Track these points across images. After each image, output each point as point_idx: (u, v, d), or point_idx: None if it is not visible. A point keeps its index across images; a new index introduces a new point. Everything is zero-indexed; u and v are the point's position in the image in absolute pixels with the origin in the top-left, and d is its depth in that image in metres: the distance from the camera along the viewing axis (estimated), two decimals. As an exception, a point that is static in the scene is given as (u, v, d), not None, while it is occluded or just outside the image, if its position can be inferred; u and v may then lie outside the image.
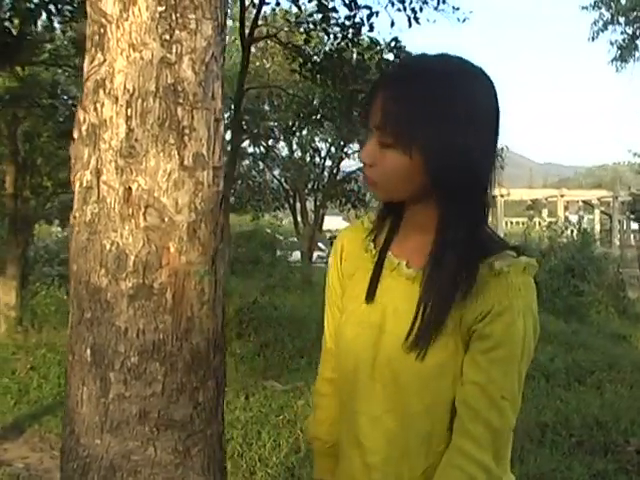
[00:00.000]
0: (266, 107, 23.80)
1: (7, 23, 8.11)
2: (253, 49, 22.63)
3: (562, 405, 7.73)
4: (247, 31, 11.65)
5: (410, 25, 10.72)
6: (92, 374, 1.68)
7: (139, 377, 1.64)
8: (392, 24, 11.05)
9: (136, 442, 1.65)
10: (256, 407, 7.77)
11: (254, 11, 12.28)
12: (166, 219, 1.63)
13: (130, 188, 1.62)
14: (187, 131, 1.64)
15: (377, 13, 10.93)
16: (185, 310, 1.67)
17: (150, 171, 1.62)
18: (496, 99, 1.61)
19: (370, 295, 1.68)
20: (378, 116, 1.57)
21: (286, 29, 14.71)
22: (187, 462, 1.68)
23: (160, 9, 1.60)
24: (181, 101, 1.63)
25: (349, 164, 28.20)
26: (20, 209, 11.67)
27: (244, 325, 10.94)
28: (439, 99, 1.53)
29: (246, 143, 26.04)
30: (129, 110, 1.62)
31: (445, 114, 1.53)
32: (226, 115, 25.79)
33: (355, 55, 11.82)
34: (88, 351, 1.68)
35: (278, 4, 12.75)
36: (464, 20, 14.11)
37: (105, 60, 1.64)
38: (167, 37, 1.61)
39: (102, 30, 1.65)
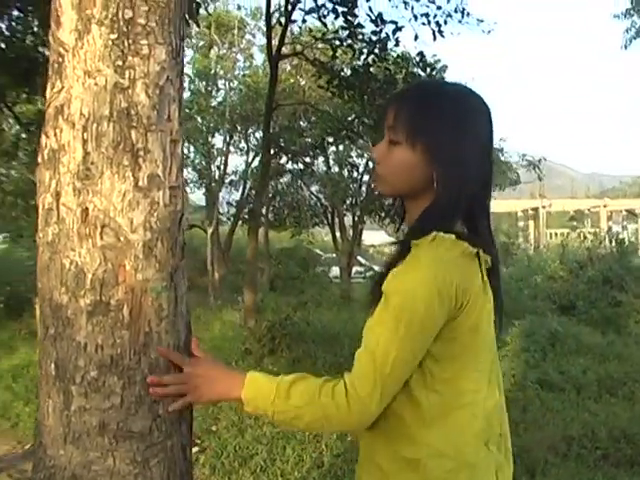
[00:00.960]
0: (302, 123, 23.90)
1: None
2: (288, 66, 22.87)
3: (590, 417, 7.65)
4: (274, 49, 11.76)
5: (435, 39, 10.75)
6: (56, 387, 1.75)
7: (98, 390, 1.71)
8: (416, 38, 11.11)
9: (96, 453, 1.71)
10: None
11: (281, 29, 12.38)
12: (122, 238, 1.69)
13: (87, 209, 1.69)
14: (141, 153, 1.71)
15: (402, 28, 10.98)
16: (143, 325, 1.73)
17: (105, 192, 1.69)
18: (490, 122, 1.99)
19: None
20: (391, 118, 1.92)
21: (313, 46, 14.82)
22: (146, 472, 1.75)
23: (113, 36, 1.68)
24: (135, 124, 1.70)
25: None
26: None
27: (276, 341, 10.97)
28: (444, 111, 1.91)
29: (284, 160, 26.20)
30: (85, 134, 1.69)
31: (446, 123, 1.89)
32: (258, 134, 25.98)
33: (382, 70, 11.87)
34: (52, 365, 1.76)
35: (304, 21, 12.83)
36: (489, 32, 14.10)
37: (63, 87, 1.72)
38: (120, 63, 1.69)
39: (60, 59, 1.73)
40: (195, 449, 6.45)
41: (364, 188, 27.53)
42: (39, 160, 1.79)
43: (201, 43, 25.35)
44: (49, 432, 1.79)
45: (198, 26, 12.71)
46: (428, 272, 1.77)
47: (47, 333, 1.77)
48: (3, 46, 7.54)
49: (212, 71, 26.38)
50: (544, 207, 38.51)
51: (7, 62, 7.70)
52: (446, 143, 1.88)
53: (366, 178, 27.40)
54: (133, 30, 1.70)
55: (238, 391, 1.81)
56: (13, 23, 7.90)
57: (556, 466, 6.17)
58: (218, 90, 27.44)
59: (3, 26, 7.80)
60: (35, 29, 8.31)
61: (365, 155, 26.97)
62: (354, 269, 28.36)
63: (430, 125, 1.89)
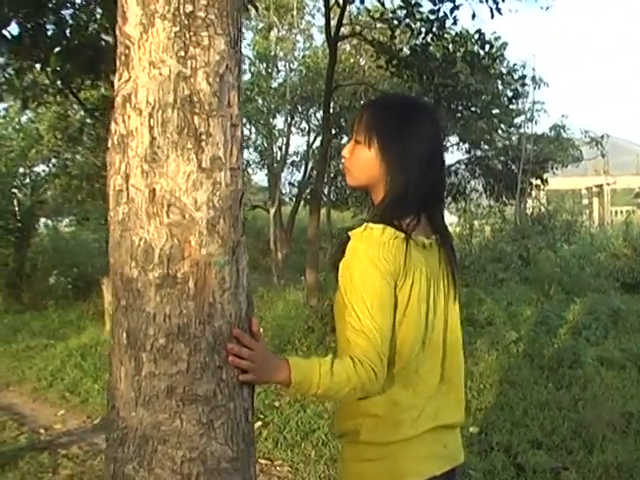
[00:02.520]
0: (362, 103, 23.91)
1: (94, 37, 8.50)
2: (348, 46, 22.89)
3: (651, 394, 7.69)
4: (333, 30, 11.82)
5: (492, 16, 10.64)
6: (128, 355, 1.90)
7: (166, 357, 1.85)
8: (473, 16, 11.04)
9: (165, 415, 1.86)
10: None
11: (339, 10, 12.42)
12: (187, 216, 1.83)
13: (154, 189, 1.84)
14: (204, 137, 1.84)
15: (459, 6, 10.94)
16: (207, 297, 1.87)
17: (171, 174, 1.83)
18: (436, 129, 2.45)
19: None
20: (357, 121, 2.39)
21: (371, 27, 14.83)
22: (210, 433, 1.89)
23: (175, 29, 1.81)
24: (197, 110, 1.84)
25: (448, 157, 28.08)
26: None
27: (339, 319, 11.09)
28: (392, 123, 2.34)
29: (345, 140, 26.25)
30: (151, 121, 1.83)
31: (397, 128, 2.33)
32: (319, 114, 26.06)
33: (441, 49, 11.86)
34: (124, 334, 1.91)
35: (362, 2, 12.85)
36: (547, 8, 13.96)
37: (130, 77, 1.87)
38: (182, 54, 1.82)
39: (127, 51, 1.87)
40: (258, 423, 6.61)
41: (426, 167, 27.53)
42: (109, 145, 1.94)
43: (261, 25, 25.45)
44: (121, 396, 1.94)
45: (257, 10, 12.78)
46: (364, 254, 2.18)
47: (119, 305, 1.93)
48: (68, 34, 7.73)
49: (272, 53, 26.45)
50: (608, 184, 37.95)
51: (72, 50, 7.89)
52: (392, 150, 2.31)
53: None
54: (194, 23, 1.83)
55: (284, 375, 2.02)
56: (77, 12, 8.08)
57: (614, 442, 6.20)
58: (278, 71, 27.52)
59: (67, 15, 7.98)
60: (98, 17, 8.49)
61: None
62: (417, 248, 28.38)
63: (381, 132, 2.32)
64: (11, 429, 7.52)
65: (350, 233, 2.29)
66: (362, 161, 2.36)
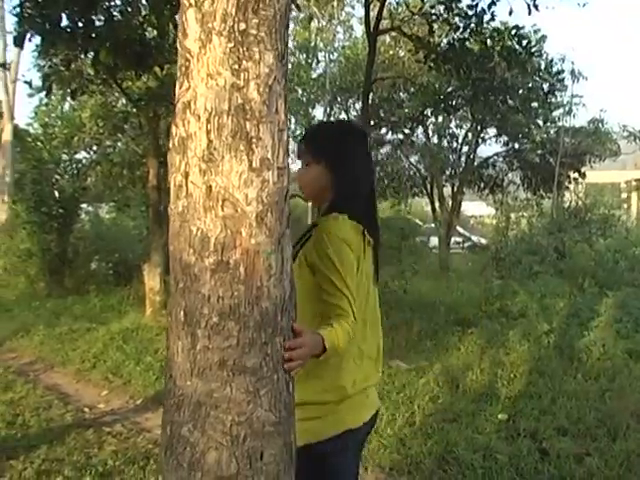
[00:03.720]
0: (401, 95, 23.98)
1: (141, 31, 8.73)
2: (387, 38, 22.99)
3: (679, 383, 7.84)
4: (372, 23, 11.97)
5: (530, 12, 10.75)
6: (184, 331, 2.16)
7: (219, 333, 2.11)
8: (510, 12, 11.16)
9: (217, 384, 2.13)
10: (380, 385, 8.15)
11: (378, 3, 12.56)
12: (239, 210, 2.09)
13: (211, 186, 2.09)
14: (254, 140, 2.09)
15: (497, 1, 11.07)
16: (255, 281, 2.12)
17: (225, 172, 2.08)
18: (366, 144, 3.18)
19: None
20: (304, 147, 3.05)
21: (410, 21, 14.95)
22: (257, 400, 2.15)
23: (230, 45, 2.06)
24: (249, 117, 2.09)
25: (486, 149, 28.09)
26: (163, 200, 12.34)
27: (375, 308, 11.25)
28: (333, 142, 3.02)
29: (384, 130, 26.33)
30: (208, 125, 2.09)
31: (337, 148, 2.99)
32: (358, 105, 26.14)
33: (478, 44, 11.98)
34: (182, 313, 2.17)
35: (402, -4, 12.99)
36: (584, 5, 13.98)
37: (190, 86, 2.12)
38: (236, 67, 2.07)
39: (187, 63, 2.13)
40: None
41: (463, 159, 27.46)
42: (170, 145, 2.20)
43: (301, 16, 25.61)
44: (178, 367, 2.20)
45: (298, 9, 12.96)
46: (337, 236, 2.76)
47: (177, 287, 2.19)
48: (116, 30, 7.96)
49: (312, 43, 26.58)
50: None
51: (121, 45, 8.14)
52: (336, 163, 2.96)
53: (465, 149, 27.34)
54: (247, 39, 2.08)
55: (320, 348, 2.54)
56: (125, 7, 8.30)
57: (638, 431, 6.39)
58: (318, 62, 27.65)
59: (116, 11, 8.21)
60: (144, 13, 8.71)
61: (464, 126, 26.90)
62: (453, 239, 28.33)
63: (326, 151, 2.98)
64: (57, 407, 7.77)
65: (319, 220, 2.89)
66: (312, 177, 3.01)
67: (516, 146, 26.71)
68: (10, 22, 31.49)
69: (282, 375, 2.22)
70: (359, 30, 27.72)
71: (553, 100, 24.85)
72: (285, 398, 2.24)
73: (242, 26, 2.07)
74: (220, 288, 2.10)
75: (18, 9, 7.64)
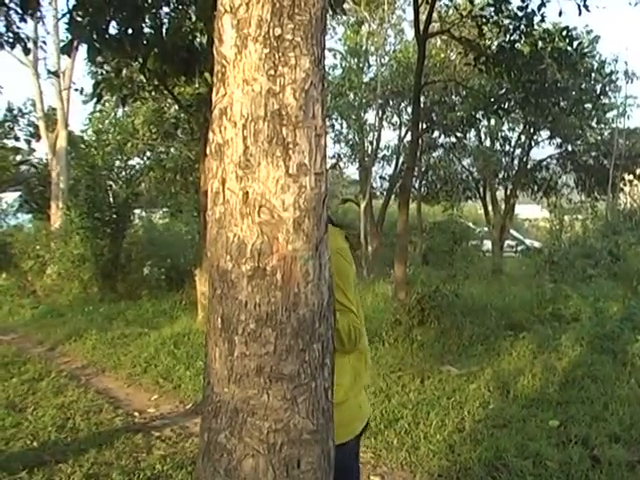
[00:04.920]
0: (453, 98, 23.89)
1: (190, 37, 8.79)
2: (439, 41, 22.91)
3: None
4: (422, 27, 11.94)
5: (580, 13, 10.63)
6: (222, 337, 2.16)
7: (256, 340, 2.10)
8: (560, 13, 11.07)
9: (254, 390, 2.12)
10: (430, 390, 8.11)
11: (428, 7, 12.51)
12: (275, 216, 2.07)
13: (247, 192, 2.09)
14: (291, 146, 2.08)
15: (547, 2, 10.98)
16: (292, 287, 2.11)
17: (262, 179, 2.07)
18: None
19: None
20: None
21: (459, 24, 14.88)
22: (294, 407, 2.14)
23: (266, 51, 2.05)
24: (285, 122, 2.07)
25: (539, 152, 27.85)
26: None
27: (425, 312, 11.20)
28: None
29: (436, 134, 26.25)
30: (245, 131, 2.08)
31: None
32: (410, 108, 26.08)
33: (529, 46, 11.89)
34: (219, 320, 2.17)
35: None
36: (636, 4, 13.79)
37: (226, 93, 2.12)
38: (272, 72, 2.06)
39: (223, 69, 2.12)
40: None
41: (516, 162, 27.29)
42: (207, 152, 2.19)
43: (352, 20, 25.60)
44: (216, 374, 2.20)
45: (344, 13, 12.96)
46: (333, 248, 2.55)
47: (215, 293, 2.19)
48: (164, 37, 8.02)
49: (363, 47, 26.56)
50: None
51: (168, 52, 8.20)
52: None
53: (518, 152, 27.15)
54: (282, 45, 2.07)
55: None
56: (172, 15, 8.36)
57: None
58: (369, 66, 27.60)
59: (163, 19, 8.27)
60: (192, 20, 8.77)
61: (517, 129, 26.70)
62: (506, 243, 28.17)
63: None
64: (107, 412, 7.86)
65: None
66: None
67: (569, 148, 26.47)
68: (63, 31, 31.95)
69: (320, 382, 2.20)
70: (410, 33, 27.63)
71: (606, 101, 24.60)
72: (323, 405, 2.22)
73: (277, 31, 2.07)
74: (257, 295, 2.09)
75: (67, 18, 7.73)
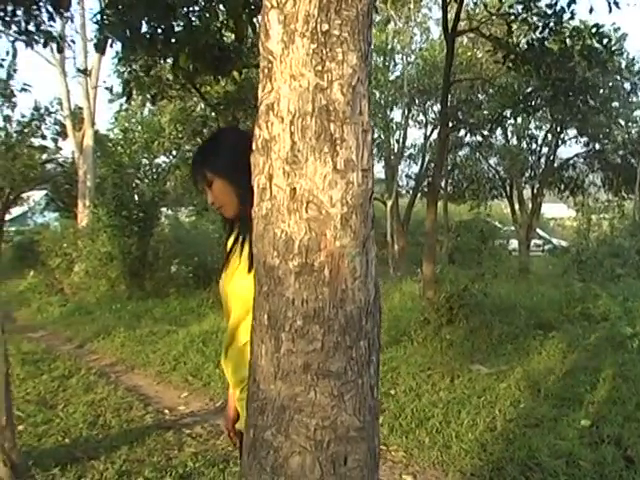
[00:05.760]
0: (480, 96, 23.83)
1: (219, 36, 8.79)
2: (465, 39, 22.85)
3: None
4: (450, 24, 11.90)
5: (610, 10, 10.53)
6: (268, 334, 2.15)
7: (303, 336, 2.09)
8: (591, 10, 10.97)
9: (300, 388, 2.10)
10: (460, 389, 8.09)
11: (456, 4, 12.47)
12: (323, 212, 2.06)
13: (295, 188, 2.07)
14: (339, 142, 2.06)
15: (574, 1, 10.91)
16: (340, 284, 2.09)
17: (310, 174, 2.06)
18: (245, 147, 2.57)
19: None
20: (197, 172, 3.01)
21: (488, 22, 14.82)
22: (341, 405, 2.12)
23: (313, 46, 2.04)
24: (333, 118, 2.06)
25: (566, 151, 27.70)
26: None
27: (454, 311, 11.19)
28: (227, 154, 2.93)
29: (462, 133, 26.19)
30: (292, 127, 2.07)
31: (230, 161, 2.88)
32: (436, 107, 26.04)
33: (558, 43, 11.82)
34: (265, 316, 2.15)
35: (480, -3, 12.89)
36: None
37: (273, 88, 2.10)
38: (319, 68, 2.05)
39: (270, 65, 2.11)
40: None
41: (543, 160, 27.18)
42: (253, 147, 2.19)
43: (378, 18, 25.59)
44: (261, 371, 2.19)
45: (375, 10, 12.93)
46: None
47: (261, 290, 2.17)
48: (195, 35, 8.03)
49: (389, 46, 26.56)
50: None
51: (200, 50, 8.22)
52: (235, 175, 2.82)
53: (545, 150, 27.04)
54: (329, 40, 2.05)
55: None
56: (202, 12, 8.36)
57: None
58: (395, 64, 27.64)
59: (194, 17, 8.27)
60: (221, 17, 8.78)
61: (544, 127, 26.59)
62: (533, 242, 28.09)
63: (223, 166, 2.93)
64: (137, 409, 7.90)
65: None
66: (222, 192, 2.96)
67: (597, 147, 26.32)
68: (90, 29, 32.13)
69: (367, 379, 2.19)
70: (436, 32, 27.71)
71: (635, 99, 24.44)
72: (370, 402, 2.21)
73: (325, 27, 2.05)
74: (304, 291, 2.08)
75: (99, 16, 7.76)
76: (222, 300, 3.13)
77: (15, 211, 36.33)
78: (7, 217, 31.13)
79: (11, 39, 8.38)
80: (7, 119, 26.57)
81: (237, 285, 2.92)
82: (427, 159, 27.95)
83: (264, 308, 2.16)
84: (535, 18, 11.78)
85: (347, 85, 2.07)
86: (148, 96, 12.83)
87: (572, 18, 11.52)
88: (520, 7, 11.72)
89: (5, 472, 5.54)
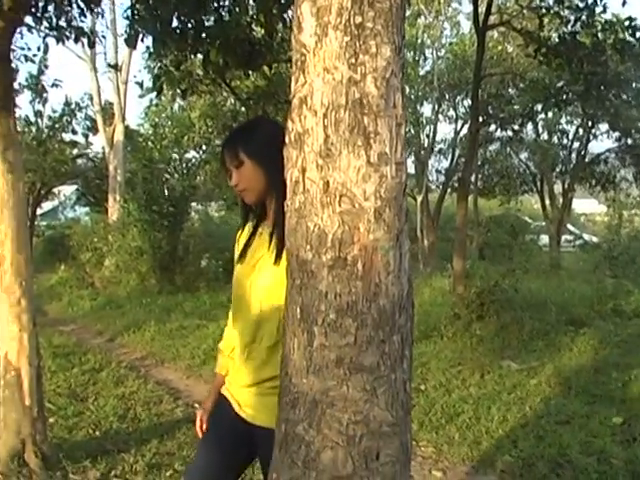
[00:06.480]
0: (510, 91, 23.69)
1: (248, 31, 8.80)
2: (496, 33, 22.72)
3: None
4: (481, 19, 11.84)
5: (643, 2, 10.45)
6: (301, 328, 2.14)
7: (336, 330, 2.08)
8: (624, 3, 10.84)
9: (333, 382, 2.09)
10: (490, 385, 8.06)
11: None
12: (356, 205, 2.05)
13: (328, 182, 2.06)
14: (372, 135, 2.05)
15: (609, -8, 10.83)
16: (373, 278, 2.08)
17: (343, 168, 2.05)
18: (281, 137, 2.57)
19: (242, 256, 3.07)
20: (229, 151, 2.90)
21: (519, 15, 14.73)
22: (373, 399, 2.11)
23: (346, 39, 2.03)
24: (366, 111, 2.05)
25: (597, 145, 27.52)
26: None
27: (485, 307, 11.15)
28: (264, 140, 2.84)
29: (493, 127, 26.07)
30: (325, 120, 2.06)
31: (267, 147, 2.76)
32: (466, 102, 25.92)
33: (590, 37, 11.73)
34: (298, 310, 2.15)
35: (511, -10, 12.82)
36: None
37: (306, 81, 2.10)
38: (353, 61, 2.03)
39: (303, 58, 2.10)
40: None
41: (574, 155, 26.99)
42: (286, 140, 2.18)
43: (408, 12, 25.47)
44: (294, 365, 2.18)
45: (408, 4, 12.88)
46: None
47: (294, 283, 2.17)
48: (226, 29, 8.04)
49: (419, 40, 26.47)
50: None
51: (231, 44, 8.23)
52: (267, 160, 2.79)
53: (576, 145, 26.85)
54: (363, 33, 2.04)
55: None
56: (233, 6, 8.36)
57: None
58: (426, 59, 27.52)
59: (224, 11, 8.28)
60: (251, 11, 8.79)
61: (575, 122, 26.41)
62: (563, 237, 27.92)
63: (257, 149, 2.85)
64: (167, 402, 7.93)
65: None
66: (250, 175, 2.87)
67: (629, 142, 26.07)
68: (121, 25, 32.30)
69: (400, 374, 2.18)
70: (466, 26, 27.54)
71: (668, 93, 24.20)
72: (402, 398, 2.20)
73: (358, 19, 2.04)
74: (337, 285, 2.07)
75: (129, 11, 7.79)
76: (236, 294, 3.08)
77: (46, 206, 36.53)
78: (38, 212, 31.24)
79: (42, 35, 8.39)
80: (38, 114, 26.66)
81: (262, 277, 2.86)
82: (457, 154, 27.85)
83: (297, 301, 2.16)
84: (567, 11, 11.69)
85: (381, 78, 2.06)
86: (178, 91, 12.82)
87: (604, 11, 11.44)
88: (551, 0, 11.63)
89: (36, 463, 5.58)
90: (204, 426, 3.22)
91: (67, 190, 37.90)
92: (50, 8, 6.97)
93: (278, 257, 2.72)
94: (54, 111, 27.36)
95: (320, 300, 2.09)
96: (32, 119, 26.49)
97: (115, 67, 21.54)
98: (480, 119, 20.10)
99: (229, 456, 3.07)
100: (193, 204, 21.50)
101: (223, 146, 2.98)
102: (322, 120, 2.06)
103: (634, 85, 19.87)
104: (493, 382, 8.19)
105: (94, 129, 27.64)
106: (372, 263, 2.07)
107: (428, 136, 27.72)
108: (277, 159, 2.53)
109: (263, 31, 8.95)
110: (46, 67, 24.42)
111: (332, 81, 2.04)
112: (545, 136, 27.31)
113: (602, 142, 27.83)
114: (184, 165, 28.72)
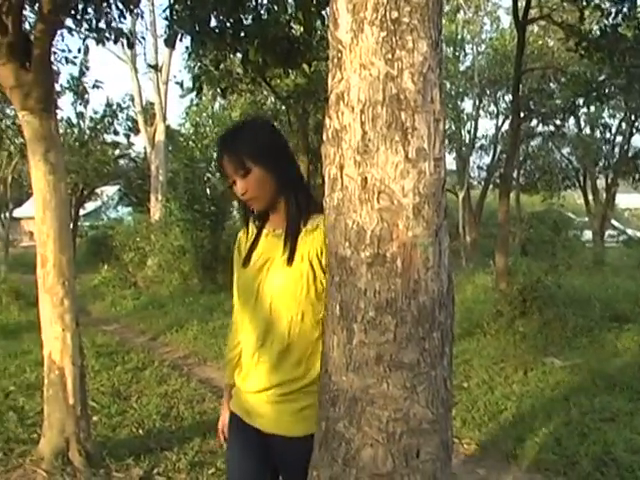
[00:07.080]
0: (551, 85, 23.51)
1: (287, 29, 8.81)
2: (536, 27, 22.56)
3: None
4: (521, 13, 11.76)
5: (685, -6, 10.33)
6: (340, 325, 2.14)
7: (375, 327, 2.07)
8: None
9: (373, 379, 2.09)
10: (533, 382, 8.00)
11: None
12: (395, 202, 2.04)
13: (366, 178, 2.05)
14: (410, 131, 2.04)
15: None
16: (412, 274, 2.07)
17: (381, 164, 2.04)
18: (280, 136, 2.86)
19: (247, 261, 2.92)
20: (232, 159, 2.70)
21: (559, 9, 14.62)
22: (413, 397, 2.10)
23: (383, 34, 2.02)
24: (404, 107, 2.03)
25: (638, 140, 27.24)
26: (312, 196, 12.50)
27: (527, 303, 11.07)
28: (263, 141, 2.74)
29: (534, 122, 25.89)
30: (363, 116, 2.05)
31: (268, 152, 2.70)
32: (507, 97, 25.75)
33: (632, 29, 11.60)
34: (337, 307, 2.15)
35: (551, -16, 12.72)
36: None
37: (342, 77, 2.09)
38: (389, 56, 2.02)
39: (339, 54, 2.10)
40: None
41: (617, 149, 26.73)
42: (324, 137, 2.17)
43: (447, 8, 25.39)
44: (333, 362, 2.18)
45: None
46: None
47: (333, 280, 2.17)
48: (265, 28, 8.07)
49: (459, 36, 26.36)
50: None
51: (270, 43, 8.25)
52: (275, 163, 2.68)
53: (619, 139, 26.58)
54: (399, 28, 2.02)
55: None
56: (271, 5, 8.39)
57: None
58: (466, 55, 27.41)
59: (263, 9, 8.31)
60: (290, 10, 8.80)
61: (618, 115, 26.14)
62: (607, 233, 27.65)
63: (263, 154, 2.68)
64: (210, 401, 7.95)
65: (320, 222, 2.59)
66: (258, 182, 2.69)
67: (671, 135, 25.79)
68: (160, 25, 32.50)
69: (440, 371, 2.16)
70: (506, 21, 27.40)
71: None
72: (442, 395, 2.18)
73: (394, 14, 2.02)
74: (376, 282, 2.06)
75: (168, 12, 7.83)
76: (241, 298, 3.02)
77: (89, 206, 36.95)
78: (81, 212, 31.59)
79: (82, 36, 8.47)
80: (80, 116, 26.95)
81: (274, 277, 2.72)
82: (499, 150, 27.72)
83: (336, 299, 2.15)
84: (608, 4, 11.59)
85: (418, 73, 2.05)
86: (218, 90, 12.91)
87: (646, 3, 11.31)
88: (593, -8, 11.54)
89: (80, 461, 5.63)
90: (223, 436, 3.18)
91: (109, 190, 38.26)
92: (90, 10, 7.03)
93: (291, 258, 2.65)
94: (95, 112, 27.65)
95: (359, 297, 2.08)
96: (74, 121, 26.78)
97: (155, 67, 21.70)
98: (521, 114, 19.96)
99: (259, 475, 2.92)
100: (234, 203, 21.53)
101: (222, 155, 2.77)
102: (359, 116, 2.05)
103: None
104: (536, 379, 8.12)
105: (135, 129, 27.87)
106: (411, 260, 2.06)
107: (469, 132, 27.64)
108: (281, 160, 2.64)
109: (302, 29, 8.96)
110: (87, 69, 24.66)
111: (369, 77, 2.04)
112: (587, 130, 27.10)
113: (642, 136, 27.49)
114: (225, 165, 28.81)
